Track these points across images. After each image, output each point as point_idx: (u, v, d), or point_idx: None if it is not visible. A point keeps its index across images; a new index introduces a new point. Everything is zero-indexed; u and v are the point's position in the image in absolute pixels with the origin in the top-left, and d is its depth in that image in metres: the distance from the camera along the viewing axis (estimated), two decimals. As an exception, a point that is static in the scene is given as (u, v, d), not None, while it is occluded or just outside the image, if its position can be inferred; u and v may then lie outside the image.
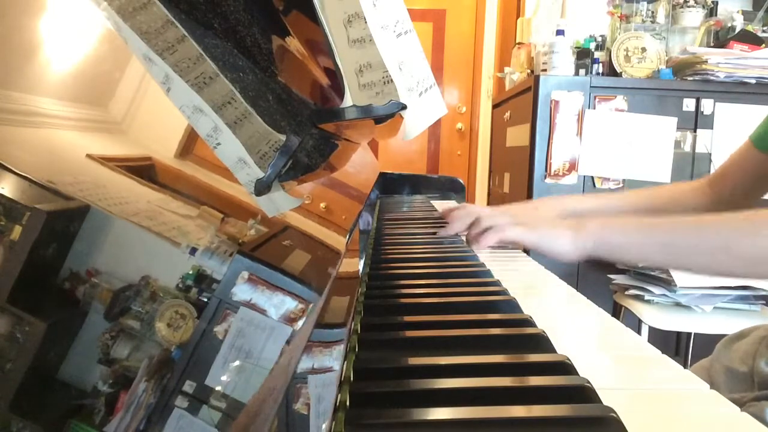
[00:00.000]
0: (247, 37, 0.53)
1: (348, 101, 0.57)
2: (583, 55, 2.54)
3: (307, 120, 0.56)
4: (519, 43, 2.97)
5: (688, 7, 2.72)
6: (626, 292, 1.91)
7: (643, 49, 2.58)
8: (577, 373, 0.38)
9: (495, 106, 3.38)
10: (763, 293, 1.77)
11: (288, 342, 0.29)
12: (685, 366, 0.44)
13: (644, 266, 1.86)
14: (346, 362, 0.39)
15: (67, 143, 0.28)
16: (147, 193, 0.30)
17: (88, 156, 0.29)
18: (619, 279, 1.96)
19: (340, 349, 0.39)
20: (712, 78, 2.41)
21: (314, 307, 0.33)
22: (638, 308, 1.84)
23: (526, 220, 0.86)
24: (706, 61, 2.40)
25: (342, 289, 0.48)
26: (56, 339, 0.23)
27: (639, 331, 1.84)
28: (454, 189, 1.64)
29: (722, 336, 1.01)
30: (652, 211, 1.08)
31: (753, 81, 2.40)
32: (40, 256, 0.23)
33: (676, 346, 2.47)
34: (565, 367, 0.39)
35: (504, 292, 0.58)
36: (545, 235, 0.80)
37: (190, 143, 0.37)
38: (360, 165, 1.03)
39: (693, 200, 1.10)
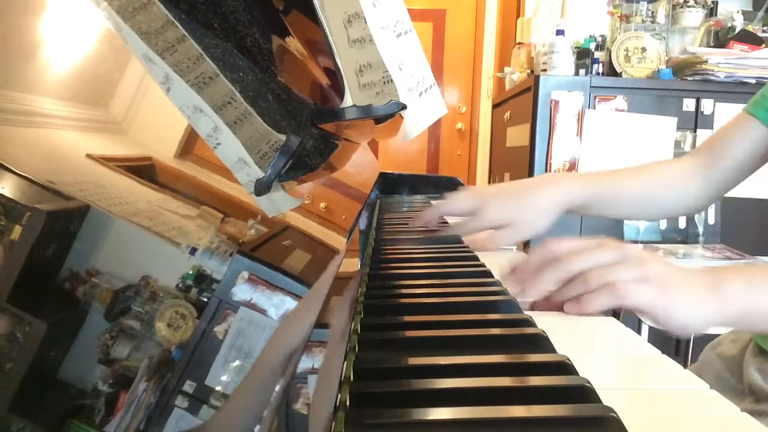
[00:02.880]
0: (247, 37, 0.53)
1: (348, 101, 0.57)
2: (583, 55, 2.54)
3: (307, 120, 0.56)
4: (519, 43, 2.98)
5: (688, 7, 2.72)
6: (626, 292, 1.90)
7: (643, 49, 2.58)
8: (577, 373, 0.38)
9: (495, 106, 3.38)
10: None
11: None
12: (684, 366, 0.44)
13: None
14: (346, 362, 0.39)
15: (67, 143, 0.28)
16: (147, 193, 0.30)
17: (88, 156, 0.29)
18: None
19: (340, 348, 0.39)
20: (712, 78, 2.41)
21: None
22: (638, 308, 1.84)
23: (650, 271, 0.55)
24: (706, 61, 2.40)
25: (342, 289, 0.48)
26: (56, 339, 0.23)
27: (639, 331, 1.84)
28: (454, 189, 1.64)
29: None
30: (647, 197, 0.97)
31: (753, 81, 2.40)
32: (40, 256, 0.23)
33: (676, 346, 2.47)
34: (565, 367, 0.39)
35: (504, 292, 0.58)
36: (680, 302, 0.54)
37: (190, 143, 0.37)
38: (360, 165, 1.03)
39: (687, 183, 0.97)
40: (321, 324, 0.37)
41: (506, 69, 3.00)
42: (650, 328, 1.82)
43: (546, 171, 2.43)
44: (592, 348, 0.50)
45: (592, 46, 2.62)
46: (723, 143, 0.97)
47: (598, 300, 0.55)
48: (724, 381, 0.89)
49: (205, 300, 0.26)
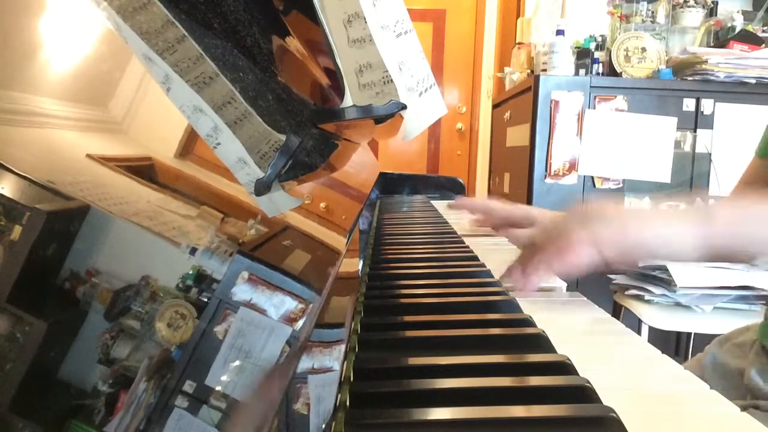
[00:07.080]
0: (247, 37, 0.53)
1: (348, 101, 0.57)
2: (583, 55, 2.54)
3: (307, 120, 0.56)
4: (519, 43, 2.97)
5: (688, 7, 2.72)
6: (626, 292, 1.91)
7: (643, 49, 2.58)
8: (577, 373, 0.38)
9: (495, 106, 3.38)
10: (764, 293, 1.76)
11: (288, 343, 0.29)
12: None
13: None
14: (346, 362, 0.39)
15: (67, 143, 0.28)
16: (147, 193, 0.30)
17: (88, 156, 0.29)
18: (619, 279, 1.96)
19: (340, 348, 0.39)
20: (712, 78, 2.41)
21: (314, 307, 0.33)
22: (638, 308, 1.84)
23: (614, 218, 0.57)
24: (706, 61, 2.40)
25: (342, 289, 0.48)
26: (56, 339, 0.23)
27: (639, 331, 1.84)
28: (454, 189, 1.64)
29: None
30: None
31: (753, 81, 2.40)
32: (40, 256, 0.23)
33: (676, 346, 2.47)
34: (565, 367, 0.39)
35: (504, 292, 0.58)
36: (661, 233, 0.55)
37: (190, 143, 0.37)
38: (360, 165, 1.03)
39: None
40: (321, 324, 0.36)
41: (506, 69, 3.00)
42: (650, 327, 1.82)
43: (546, 171, 2.43)
44: (592, 347, 0.50)
45: (592, 46, 2.62)
46: (745, 186, 0.96)
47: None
48: (731, 376, 0.86)
49: (205, 300, 0.26)
